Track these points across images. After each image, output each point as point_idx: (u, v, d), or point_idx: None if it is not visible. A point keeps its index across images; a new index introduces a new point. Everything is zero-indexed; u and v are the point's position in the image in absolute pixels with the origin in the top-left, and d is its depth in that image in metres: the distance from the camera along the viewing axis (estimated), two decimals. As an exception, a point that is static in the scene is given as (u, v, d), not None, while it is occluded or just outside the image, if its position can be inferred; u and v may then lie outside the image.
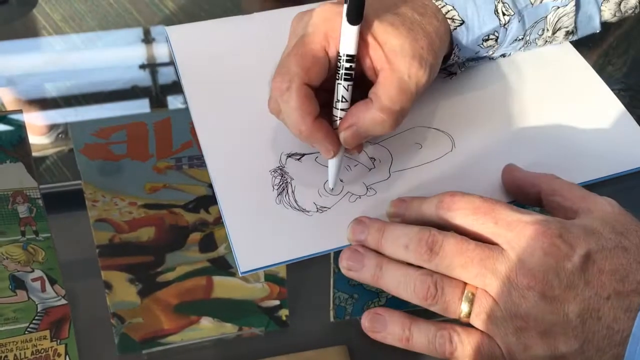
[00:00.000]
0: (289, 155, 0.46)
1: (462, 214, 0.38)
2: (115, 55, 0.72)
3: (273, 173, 0.45)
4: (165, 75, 0.72)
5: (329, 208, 0.44)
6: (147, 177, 0.52)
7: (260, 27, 0.53)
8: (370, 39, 0.41)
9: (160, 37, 0.76)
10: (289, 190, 0.44)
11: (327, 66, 0.41)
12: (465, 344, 0.37)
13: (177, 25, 0.54)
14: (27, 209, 0.50)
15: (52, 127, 0.71)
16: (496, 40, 0.47)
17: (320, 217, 0.43)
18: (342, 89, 0.41)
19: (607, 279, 0.35)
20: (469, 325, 0.37)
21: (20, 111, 0.49)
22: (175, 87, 0.67)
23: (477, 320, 0.36)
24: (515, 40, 0.48)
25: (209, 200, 0.54)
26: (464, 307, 0.37)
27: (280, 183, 0.45)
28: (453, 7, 0.44)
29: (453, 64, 0.49)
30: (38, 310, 0.54)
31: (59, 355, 0.56)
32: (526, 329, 0.35)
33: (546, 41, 0.50)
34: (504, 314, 0.36)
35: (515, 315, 0.35)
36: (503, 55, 0.51)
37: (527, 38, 0.48)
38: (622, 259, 0.36)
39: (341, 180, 0.45)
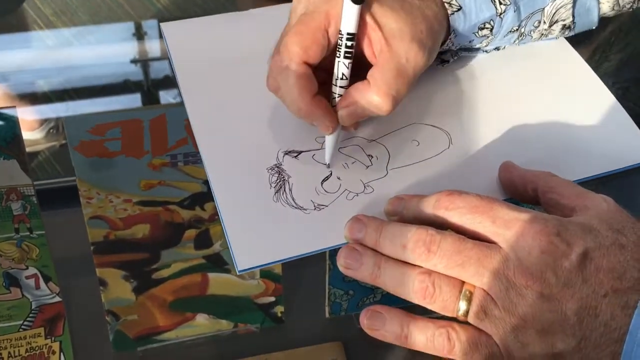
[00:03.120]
0: (286, 153, 0.46)
1: (460, 213, 0.38)
2: (107, 51, 0.72)
3: (270, 170, 0.45)
4: (158, 71, 0.72)
5: (327, 206, 0.43)
6: (142, 174, 0.52)
7: (257, 24, 0.53)
8: (369, 20, 0.41)
9: (152, 32, 0.75)
10: (287, 188, 0.44)
11: (326, 45, 0.42)
12: (463, 342, 0.37)
13: (172, 21, 0.54)
14: (20, 206, 0.50)
15: (43, 123, 0.71)
16: (491, 30, 0.47)
17: (318, 214, 0.43)
18: (342, 67, 0.41)
19: (604, 277, 0.35)
20: (467, 323, 0.37)
21: (13, 107, 0.48)
22: (169, 83, 0.67)
23: (475, 319, 0.37)
24: (510, 31, 0.48)
25: (204, 197, 0.54)
26: (462, 306, 0.37)
27: (278, 181, 0.45)
28: None
29: (446, 50, 0.49)
30: (32, 307, 0.54)
31: (54, 352, 0.55)
32: (524, 327, 0.36)
33: (542, 34, 0.50)
34: (501, 313, 0.36)
35: (513, 314, 0.36)
36: (497, 49, 0.51)
37: (522, 30, 0.48)
38: (619, 257, 0.36)
39: (338, 178, 0.45)
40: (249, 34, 0.52)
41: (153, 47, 0.73)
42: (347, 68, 0.41)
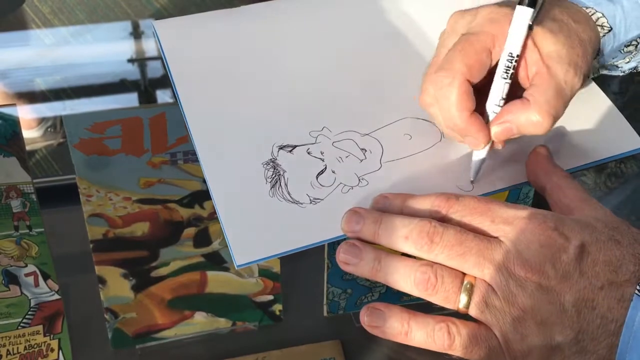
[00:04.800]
0: (281, 147, 0.46)
1: (459, 215, 0.39)
2: (105, 49, 0.72)
3: (265, 166, 0.45)
4: (155, 70, 0.72)
5: (322, 199, 0.44)
6: (142, 172, 0.52)
7: (250, 20, 0.53)
8: (529, 42, 0.42)
9: (150, 31, 0.75)
10: (282, 183, 0.45)
11: (488, 66, 0.43)
12: (463, 336, 0.37)
13: (164, 19, 0.54)
14: (20, 204, 0.50)
15: (41, 121, 0.71)
16: (636, 47, 0.48)
17: (314, 208, 0.43)
18: (502, 86, 0.43)
19: (601, 270, 0.36)
20: (466, 317, 0.38)
21: (13, 105, 0.48)
22: (166, 82, 0.67)
23: (476, 310, 0.37)
24: None
25: (204, 195, 0.54)
26: (463, 298, 0.37)
27: (273, 175, 0.45)
28: (603, 14, 0.45)
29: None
30: (31, 305, 0.54)
31: (52, 350, 0.55)
32: (523, 319, 0.36)
33: None
34: (502, 303, 0.36)
35: (513, 305, 0.36)
36: (636, 70, 0.51)
37: None
38: (615, 251, 0.36)
39: (333, 172, 0.45)
40: (242, 30, 0.53)
41: (151, 46, 0.73)
42: (506, 88, 0.43)
